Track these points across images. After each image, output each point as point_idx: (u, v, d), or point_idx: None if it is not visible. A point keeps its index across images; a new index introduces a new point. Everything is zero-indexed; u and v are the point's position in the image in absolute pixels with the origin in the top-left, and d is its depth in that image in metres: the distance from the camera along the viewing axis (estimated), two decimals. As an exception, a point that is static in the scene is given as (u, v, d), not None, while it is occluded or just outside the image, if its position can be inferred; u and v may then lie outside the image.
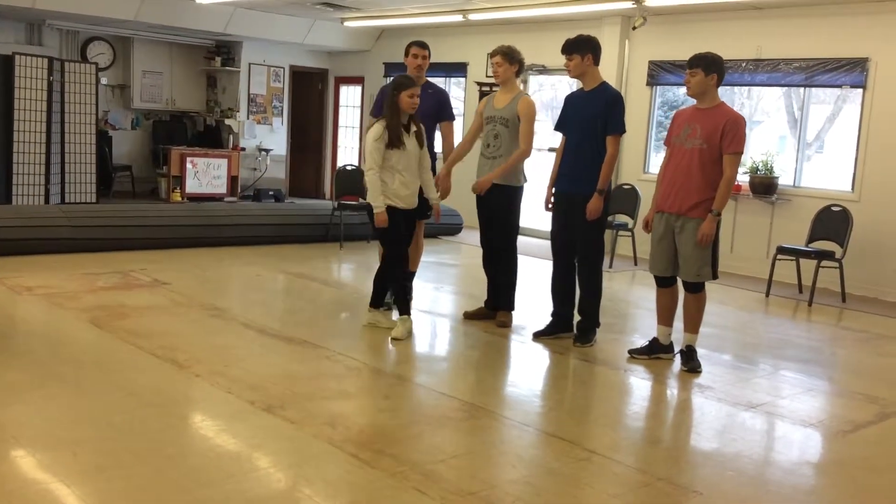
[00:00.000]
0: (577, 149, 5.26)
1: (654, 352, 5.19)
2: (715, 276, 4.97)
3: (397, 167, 5.24)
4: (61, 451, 3.37)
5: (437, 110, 5.76)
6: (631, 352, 5.25)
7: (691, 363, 5.04)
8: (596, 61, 5.28)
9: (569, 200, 5.31)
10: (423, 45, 5.90)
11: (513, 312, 5.82)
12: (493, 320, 5.80)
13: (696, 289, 4.99)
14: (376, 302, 5.64)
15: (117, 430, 3.63)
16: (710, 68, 4.84)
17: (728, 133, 4.76)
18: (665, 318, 5.17)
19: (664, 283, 5.11)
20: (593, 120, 5.19)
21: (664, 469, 3.56)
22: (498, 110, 5.62)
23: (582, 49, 5.26)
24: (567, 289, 5.51)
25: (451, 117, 5.95)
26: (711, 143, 4.80)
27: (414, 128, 5.31)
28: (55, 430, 3.60)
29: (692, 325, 5.08)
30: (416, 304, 6.13)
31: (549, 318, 5.59)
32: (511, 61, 5.63)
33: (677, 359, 5.21)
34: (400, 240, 5.37)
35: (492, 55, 5.72)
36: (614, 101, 5.22)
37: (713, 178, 4.83)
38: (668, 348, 5.22)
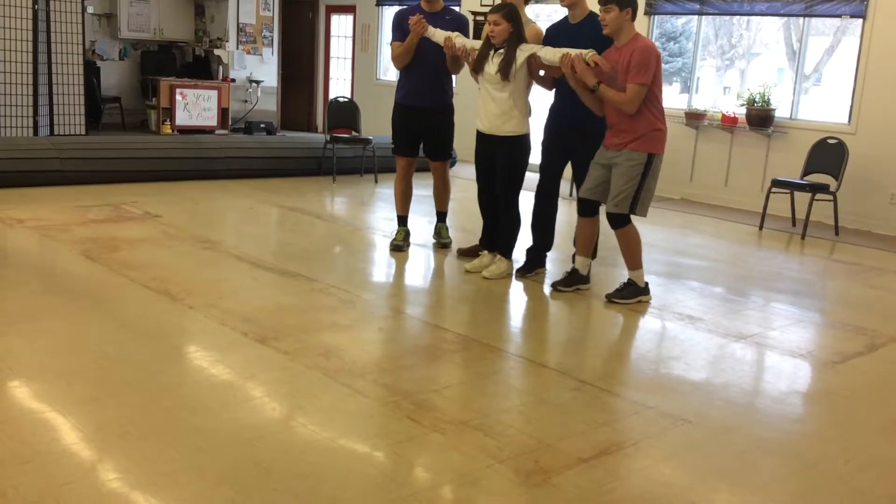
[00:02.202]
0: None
1: (574, 283, 5.17)
2: (633, 210, 4.83)
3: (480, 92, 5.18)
4: (56, 381, 3.39)
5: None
6: (554, 284, 5.22)
7: (614, 292, 5.00)
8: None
9: (572, 134, 5.17)
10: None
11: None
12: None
13: (616, 222, 4.88)
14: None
15: (111, 361, 3.65)
16: (625, 2, 4.69)
17: (634, 64, 4.63)
18: (583, 249, 5.16)
19: (585, 212, 5.05)
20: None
21: (653, 398, 3.60)
22: None
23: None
24: (552, 223, 5.49)
25: None
26: (627, 79, 4.69)
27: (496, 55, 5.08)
28: (49, 360, 3.62)
29: (628, 261, 5.01)
30: (413, 238, 6.13)
31: (532, 255, 5.53)
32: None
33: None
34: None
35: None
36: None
37: (645, 114, 4.74)
38: (587, 279, 5.21)
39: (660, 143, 4.86)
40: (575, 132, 5.14)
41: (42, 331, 3.98)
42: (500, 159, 5.23)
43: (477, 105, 5.29)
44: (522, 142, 5.22)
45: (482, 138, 5.30)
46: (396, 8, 12.50)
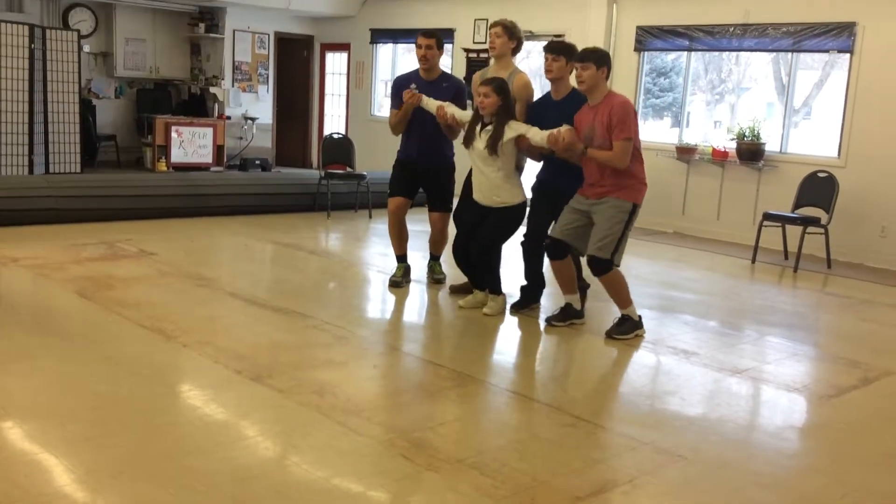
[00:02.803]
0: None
1: (569, 317, 5.19)
2: (612, 259, 4.82)
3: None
4: (49, 421, 3.38)
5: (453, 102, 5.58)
6: (548, 319, 5.23)
7: (613, 327, 5.00)
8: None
9: (558, 192, 5.18)
10: (427, 34, 5.63)
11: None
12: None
13: (599, 268, 4.87)
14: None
15: (104, 400, 3.64)
16: (602, 62, 4.79)
17: (615, 122, 4.71)
18: (566, 287, 5.17)
19: (555, 254, 5.05)
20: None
21: (648, 434, 3.59)
22: None
23: (568, 53, 5.06)
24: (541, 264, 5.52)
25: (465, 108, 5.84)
26: (612, 137, 4.76)
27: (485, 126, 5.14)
28: (43, 400, 3.60)
29: (619, 302, 5.03)
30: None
31: (526, 292, 5.54)
32: (511, 36, 5.46)
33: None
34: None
35: (492, 26, 5.51)
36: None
37: (630, 167, 4.80)
38: (580, 313, 5.23)
39: (641, 195, 4.93)
40: (562, 195, 5.12)
41: (36, 370, 3.97)
42: (491, 219, 5.25)
43: (472, 177, 5.37)
44: (516, 210, 5.26)
45: (475, 204, 5.34)
46: (390, 46, 12.69)
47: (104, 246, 6.83)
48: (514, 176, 5.23)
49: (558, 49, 5.15)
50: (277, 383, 3.90)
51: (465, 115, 5.31)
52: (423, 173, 5.78)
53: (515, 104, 5.22)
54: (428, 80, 5.66)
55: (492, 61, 5.75)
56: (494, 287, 5.42)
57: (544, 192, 5.35)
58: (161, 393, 3.80)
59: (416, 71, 5.74)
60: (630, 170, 4.82)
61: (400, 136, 5.83)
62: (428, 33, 5.64)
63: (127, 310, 4.99)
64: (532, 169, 5.56)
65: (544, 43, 5.45)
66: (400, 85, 5.69)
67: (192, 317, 4.98)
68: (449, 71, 11.03)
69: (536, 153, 5.22)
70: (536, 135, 4.95)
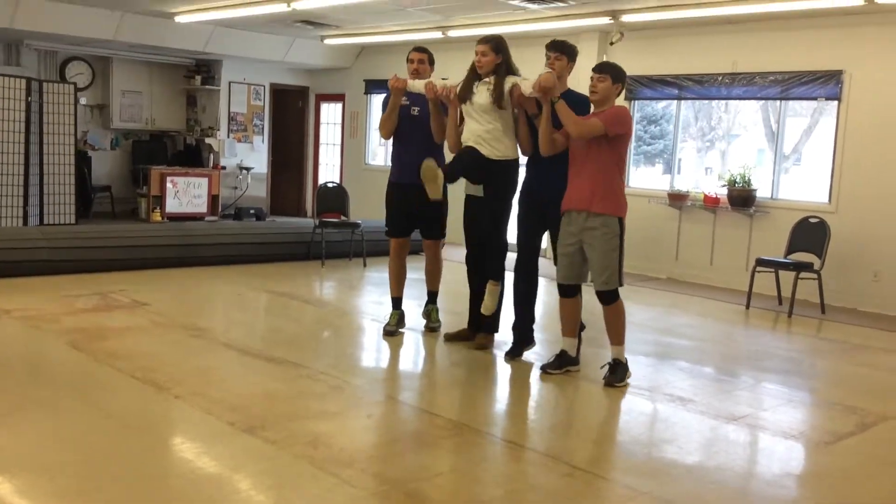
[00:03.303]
0: (548, 160, 5.18)
1: (564, 364, 5.17)
2: (616, 287, 4.88)
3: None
4: (40, 474, 3.33)
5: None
6: (543, 367, 5.20)
7: (611, 377, 4.97)
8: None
9: (548, 206, 5.18)
10: (419, 49, 5.78)
11: (494, 335, 5.76)
12: (473, 342, 5.70)
13: (607, 299, 4.92)
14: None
15: (96, 453, 3.59)
16: (618, 78, 4.90)
17: (608, 113, 4.82)
18: (569, 329, 5.17)
19: (566, 293, 5.08)
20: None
21: (646, 483, 3.56)
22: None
23: (570, 53, 5.18)
24: (533, 299, 5.54)
25: None
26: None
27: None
28: (33, 453, 3.56)
29: (615, 336, 5.02)
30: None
31: (518, 335, 5.53)
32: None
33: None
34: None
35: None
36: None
37: (611, 178, 4.86)
38: (576, 360, 5.22)
39: (624, 209, 4.96)
40: (549, 204, 5.15)
41: (27, 423, 3.93)
42: (490, 182, 5.27)
43: (465, 136, 5.34)
44: (511, 169, 5.30)
45: (471, 199, 5.36)
46: (384, 96, 12.84)
47: (97, 297, 6.81)
48: (512, 131, 5.28)
49: (561, 47, 5.20)
50: (271, 435, 3.86)
51: (453, 82, 5.38)
52: (416, 196, 5.74)
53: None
54: (419, 94, 5.74)
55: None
56: (498, 273, 5.44)
57: (531, 207, 5.34)
58: (152, 445, 3.76)
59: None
60: (611, 180, 4.87)
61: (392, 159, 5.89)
62: (419, 49, 5.79)
63: (119, 361, 4.96)
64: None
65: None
66: (388, 100, 5.81)
67: (184, 368, 4.95)
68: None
69: (527, 141, 5.24)
70: (527, 85, 5.00)
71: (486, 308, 5.40)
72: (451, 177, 5.27)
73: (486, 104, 5.15)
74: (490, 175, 5.28)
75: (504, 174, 5.31)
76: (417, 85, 5.47)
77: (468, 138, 5.28)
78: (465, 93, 5.25)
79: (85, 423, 3.98)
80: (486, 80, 5.17)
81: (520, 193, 5.45)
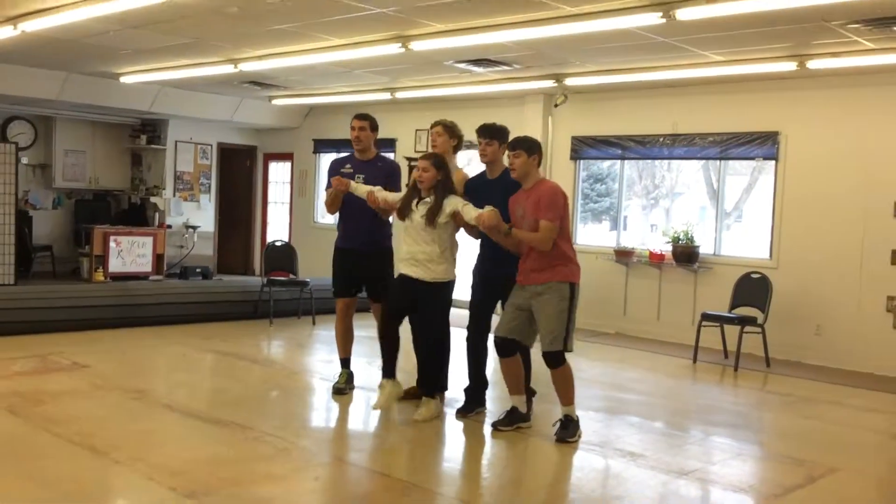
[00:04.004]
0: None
1: (515, 421, 5.14)
2: (566, 347, 4.88)
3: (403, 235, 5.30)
4: (-34, 549, 3.16)
5: (384, 183, 5.65)
6: (494, 424, 5.17)
7: (562, 433, 4.95)
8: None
9: (500, 280, 5.22)
10: (360, 116, 5.81)
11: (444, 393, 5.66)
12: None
13: (553, 361, 4.90)
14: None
15: (29, 524, 3.43)
16: (532, 150, 4.99)
17: (543, 204, 4.88)
18: (514, 388, 5.16)
19: (503, 352, 5.06)
20: (502, 205, 5.05)
21: (600, 541, 3.52)
22: None
23: (502, 137, 5.29)
24: (483, 360, 5.51)
25: (399, 190, 5.93)
26: (539, 217, 4.90)
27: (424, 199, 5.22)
28: (-40, 526, 3.38)
29: (564, 398, 5.01)
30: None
31: (470, 395, 5.50)
32: (451, 135, 5.61)
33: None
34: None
35: (433, 125, 5.69)
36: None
37: (559, 247, 4.91)
38: (527, 417, 5.21)
39: (576, 274, 5.00)
40: (501, 278, 5.20)
41: (-46, 494, 3.74)
42: (423, 303, 5.24)
43: (399, 248, 5.38)
44: (449, 287, 5.29)
45: (405, 277, 5.30)
46: (333, 155, 12.86)
47: (36, 359, 6.59)
48: (450, 252, 5.26)
49: (490, 133, 5.31)
50: (214, 501, 3.73)
51: (396, 196, 5.38)
52: (362, 260, 5.75)
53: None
54: (363, 160, 5.79)
55: None
56: (434, 387, 5.36)
57: (485, 280, 5.37)
58: (90, 514, 3.61)
59: (352, 153, 5.86)
60: (561, 251, 4.91)
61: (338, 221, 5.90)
62: (361, 116, 5.82)
63: (56, 426, 4.78)
64: (467, 249, 5.59)
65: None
66: (334, 167, 5.84)
67: (124, 431, 4.79)
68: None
69: (475, 231, 5.26)
70: (470, 212, 5.03)
71: (419, 415, 5.27)
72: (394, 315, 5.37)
73: (424, 223, 5.16)
74: (424, 294, 5.23)
75: (439, 293, 5.26)
76: (360, 190, 5.49)
77: (404, 257, 5.29)
78: (405, 210, 5.26)
79: (20, 491, 3.80)
80: (427, 199, 5.19)
81: (474, 266, 5.49)
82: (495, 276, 5.28)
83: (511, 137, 5.23)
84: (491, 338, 5.23)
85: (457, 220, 5.17)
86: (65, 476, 4.03)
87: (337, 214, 5.93)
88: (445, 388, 5.61)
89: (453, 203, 5.12)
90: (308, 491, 4.06)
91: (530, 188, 4.98)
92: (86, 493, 3.83)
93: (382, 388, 5.41)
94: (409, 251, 5.25)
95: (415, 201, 5.22)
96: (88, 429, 4.74)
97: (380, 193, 5.39)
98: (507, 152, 5.04)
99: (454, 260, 5.32)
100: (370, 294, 5.91)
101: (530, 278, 4.96)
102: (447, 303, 5.33)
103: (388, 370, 5.42)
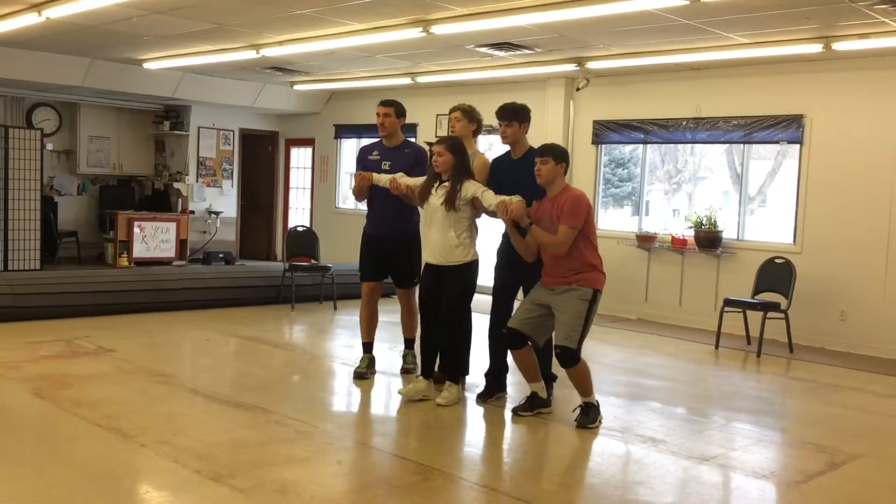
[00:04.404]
0: None
1: (535, 407, 5.16)
2: (575, 347, 4.84)
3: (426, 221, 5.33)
4: (-3, 529, 3.23)
5: (410, 170, 5.60)
6: (514, 409, 5.19)
7: (583, 419, 4.97)
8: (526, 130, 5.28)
9: (523, 266, 5.22)
10: (385, 103, 5.79)
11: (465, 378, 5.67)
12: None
13: (568, 360, 4.89)
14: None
15: (57, 505, 3.49)
16: (560, 158, 4.97)
17: (566, 210, 4.86)
18: (530, 377, 5.16)
19: (514, 344, 5.06)
20: (528, 185, 5.10)
21: (620, 526, 3.53)
22: None
23: (522, 117, 5.30)
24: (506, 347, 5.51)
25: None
26: (561, 223, 4.88)
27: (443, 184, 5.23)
28: (-9, 507, 3.45)
29: (582, 391, 5.02)
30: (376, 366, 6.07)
31: (491, 380, 5.51)
32: (470, 119, 5.63)
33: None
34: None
35: (452, 110, 5.71)
36: None
37: (584, 253, 4.92)
38: (547, 402, 5.22)
39: (601, 282, 5.00)
40: (528, 266, 5.17)
41: (-15, 475, 3.82)
42: (447, 287, 5.25)
43: (422, 234, 5.40)
44: (470, 268, 5.28)
45: (430, 268, 5.34)
46: (354, 140, 12.90)
47: (62, 343, 6.68)
48: (469, 234, 5.26)
49: (509, 114, 5.29)
50: (238, 483, 3.78)
51: (418, 181, 5.38)
52: (389, 246, 5.79)
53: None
54: (390, 146, 5.79)
55: None
56: (455, 372, 5.38)
57: (511, 261, 5.32)
58: (117, 496, 3.67)
59: (379, 140, 5.87)
60: (587, 259, 4.92)
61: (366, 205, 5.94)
62: (386, 102, 5.80)
63: (83, 409, 4.85)
64: (489, 232, 5.55)
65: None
66: (362, 154, 5.89)
67: (150, 415, 4.85)
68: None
69: (495, 216, 5.24)
70: (490, 198, 5.03)
71: (443, 399, 5.29)
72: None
73: (444, 208, 5.16)
74: (446, 277, 5.25)
75: (459, 276, 5.24)
76: (383, 180, 5.51)
77: (427, 244, 5.35)
78: (425, 195, 5.28)
79: (47, 473, 3.87)
80: (445, 183, 5.18)
81: (499, 246, 5.48)
82: (520, 261, 5.25)
83: (531, 118, 5.21)
84: None
85: (476, 206, 5.17)
86: (91, 458, 4.10)
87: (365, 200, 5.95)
88: (467, 373, 5.63)
89: (471, 188, 5.11)
90: (331, 474, 4.10)
91: (555, 196, 4.97)
92: (113, 476, 3.89)
93: (416, 382, 5.43)
94: (430, 238, 5.28)
95: (435, 185, 5.22)
96: (114, 412, 4.81)
97: (402, 179, 5.39)
98: (535, 159, 4.99)
99: (473, 244, 5.32)
100: (396, 282, 5.94)
101: (557, 282, 4.97)
102: (468, 285, 5.32)
103: (427, 370, 5.43)
